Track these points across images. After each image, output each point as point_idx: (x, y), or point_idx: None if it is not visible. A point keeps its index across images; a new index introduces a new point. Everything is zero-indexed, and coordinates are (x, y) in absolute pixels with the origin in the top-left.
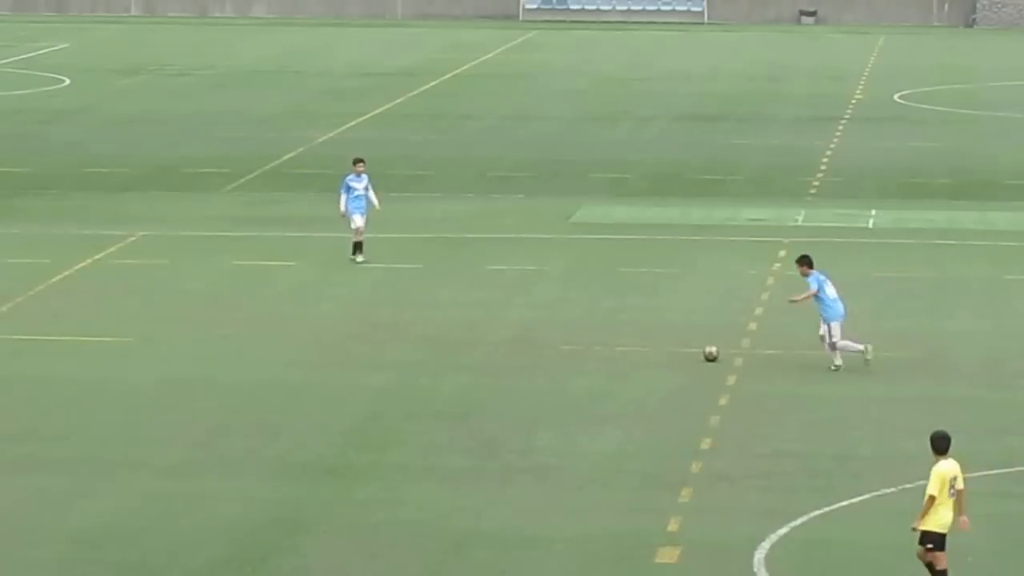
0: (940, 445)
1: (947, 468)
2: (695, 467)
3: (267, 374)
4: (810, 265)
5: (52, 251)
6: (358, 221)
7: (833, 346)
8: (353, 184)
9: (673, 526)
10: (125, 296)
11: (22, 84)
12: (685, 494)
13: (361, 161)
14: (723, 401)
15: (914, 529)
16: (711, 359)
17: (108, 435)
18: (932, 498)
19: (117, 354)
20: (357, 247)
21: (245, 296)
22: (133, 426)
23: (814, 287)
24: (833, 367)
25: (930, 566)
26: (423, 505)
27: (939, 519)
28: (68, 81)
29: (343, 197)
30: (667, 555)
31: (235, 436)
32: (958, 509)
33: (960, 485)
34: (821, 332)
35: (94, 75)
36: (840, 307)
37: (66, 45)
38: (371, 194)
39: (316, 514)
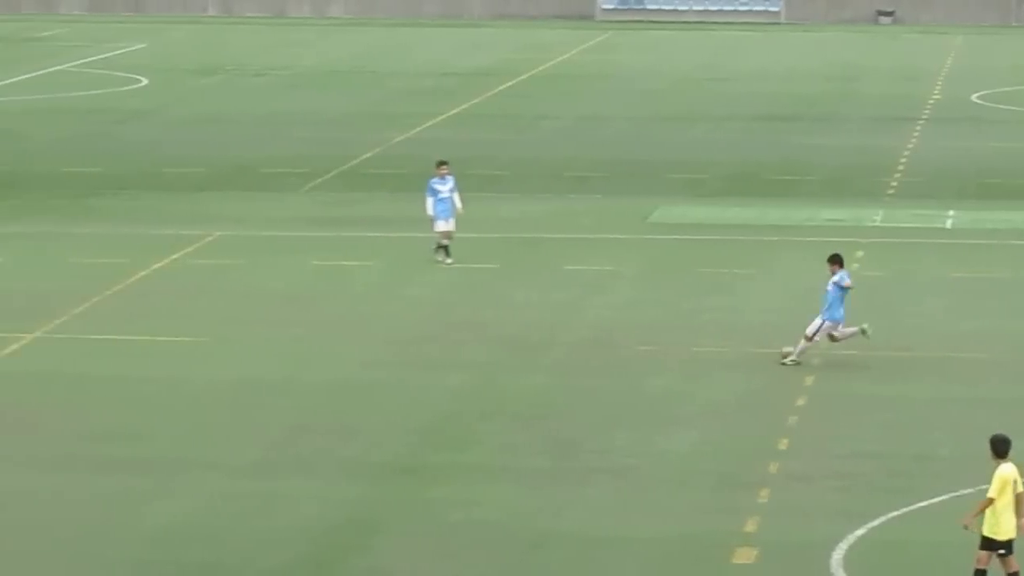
0: (1001, 448)
1: (1009, 471)
2: (773, 467)
3: (344, 374)
4: (840, 264)
5: (129, 251)
6: (444, 225)
7: (810, 338)
8: (438, 187)
9: (751, 527)
10: (202, 296)
11: (99, 84)
12: (763, 494)
13: (445, 163)
14: (801, 401)
15: (966, 527)
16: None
17: (185, 435)
18: (991, 500)
19: (194, 354)
20: (443, 249)
21: (322, 296)
22: (210, 426)
23: (848, 280)
24: (789, 359)
25: (982, 573)
26: (500, 505)
27: (1007, 525)
28: (145, 81)
29: (429, 200)
30: (744, 555)
31: (311, 436)
32: (1019, 512)
33: (1020, 488)
34: (810, 331)
35: (171, 75)
36: (841, 312)
37: (143, 45)
38: (455, 196)
39: (392, 514)
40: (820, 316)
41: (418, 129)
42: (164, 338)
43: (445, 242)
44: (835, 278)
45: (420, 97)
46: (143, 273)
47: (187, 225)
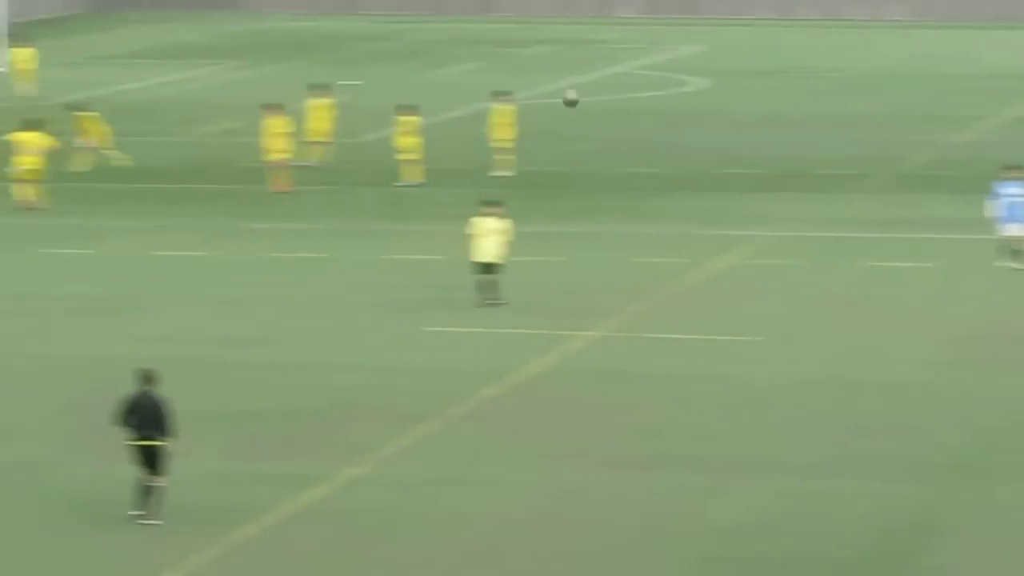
0: None
1: None
2: None
3: (901, 374)
4: None
5: (687, 251)
6: (1013, 230)
7: None
8: (1007, 190)
9: None
10: (759, 296)
11: (656, 86)
12: None
13: (1017, 167)
14: None
15: None
16: (569, 103)
17: (744, 433)
18: None
19: (752, 353)
20: (1015, 254)
21: (879, 297)
22: (767, 425)
23: None
24: None
25: None
26: None
27: None
28: (703, 83)
29: (995, 203)
30: None
31: (870, 435)
32: None
33: None
34: None
35: (728, 77)
36: None
37: (700, 47)
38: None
39: (954, 514)
40: None
41: (978, 131)
42: (722, 337)
43: (1017, 247)
44: None
45: (979, 99)
46: (701, 272)
47: (744, 225)
